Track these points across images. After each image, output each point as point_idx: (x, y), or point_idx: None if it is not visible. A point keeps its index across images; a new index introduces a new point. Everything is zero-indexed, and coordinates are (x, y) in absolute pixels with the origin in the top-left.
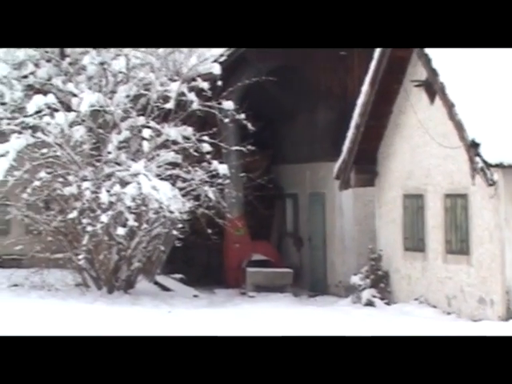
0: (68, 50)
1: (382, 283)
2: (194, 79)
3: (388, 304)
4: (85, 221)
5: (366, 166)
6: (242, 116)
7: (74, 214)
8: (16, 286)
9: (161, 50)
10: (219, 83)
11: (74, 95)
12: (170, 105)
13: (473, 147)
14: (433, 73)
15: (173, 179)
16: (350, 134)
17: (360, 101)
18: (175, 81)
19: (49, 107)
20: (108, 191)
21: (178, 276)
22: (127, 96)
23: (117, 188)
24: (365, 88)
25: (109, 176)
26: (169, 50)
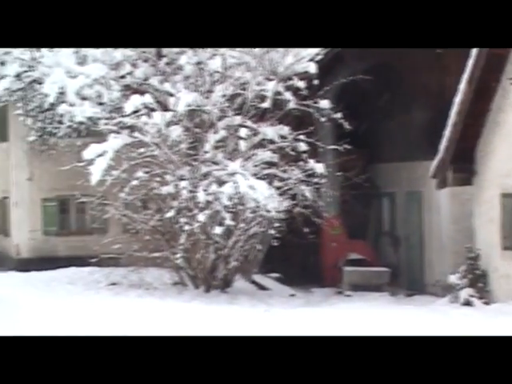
0: (165, 51)
1: (480, 282)
2: (290, 78)
3: (487, 304)
4: (182, 220)
5: (463, 164)
6: (339, 115)
7: (171, 213)
8: (114, 284)
9: (257, 50)
10: (315, 82)
11: (171, 95)
12: (266, 104)
13: None
14: None
15: (269, 178)
16: (447, 132)
17: (457, 99)
18: (271, 80)
19: (146, 107)
20: (205, 190)
21: (275, 275)
22: (224, 95)
23: (214, 187)
24: (462, 86)
25: (206, 175)
26: (265, 49)
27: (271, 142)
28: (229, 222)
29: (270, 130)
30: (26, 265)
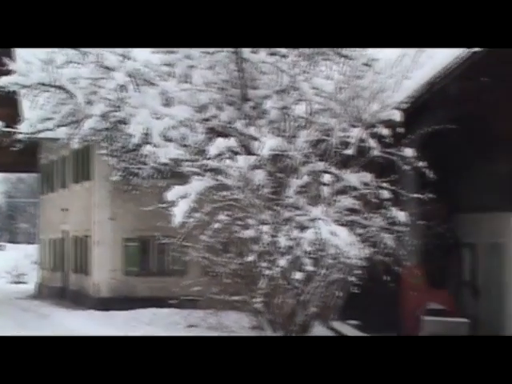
0: (250, 94)
1: None
2: (374, 125)
3: None
4: (262, 264)
5: None
6: (422, 164)
7: (252, 257)
8: (193, 326)
9: (342, 96)
10: (400, 130)
11: (255, 139)
12: (350, 150)
13: None
14: None
15: (351, 225)
16: None
17: None
18: (356, 127)
19: (230, 150)
20: (286, 235)
21: (354, 322)
22: (308, 141)
23: (295, 232)
24: None
25: (287, 220)
26: (350, 95)
27: (354, 188)
28: (309, 267)
29: (353, 177)
30: (106, 304)
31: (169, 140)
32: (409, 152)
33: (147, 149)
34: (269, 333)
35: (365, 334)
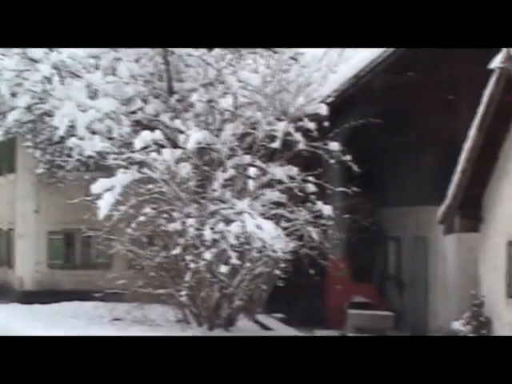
0: (176, 87)
1: (483, 330)
2: (300, 119)
3: None
4: (188, 257)
5: (471, 211)
6: (348, 157)
7: (177, 251)
8: (117, 320)
9: (268, 90)
10: (326, 124)
11: (181, 132)
12: (276, 144)
13: None
14: None
15: (277, 218)
16: (455, 178)
17: (467, 146)
18: (282, 120)
19: (156, 143)
20: (212, 229)
21: (279, 315)
22: (234, 134)
23: (221, 226)
24: (472, 133)
25: (213, 213)
26: (276, 89)
27: (280, 182)
28: (234, 261)
29: (278, 170)
30: (30, 297)
31: (94, 133)
32: (334, 146)
33: (72, 141)
34: (194, 326)
35: (292, 328)
